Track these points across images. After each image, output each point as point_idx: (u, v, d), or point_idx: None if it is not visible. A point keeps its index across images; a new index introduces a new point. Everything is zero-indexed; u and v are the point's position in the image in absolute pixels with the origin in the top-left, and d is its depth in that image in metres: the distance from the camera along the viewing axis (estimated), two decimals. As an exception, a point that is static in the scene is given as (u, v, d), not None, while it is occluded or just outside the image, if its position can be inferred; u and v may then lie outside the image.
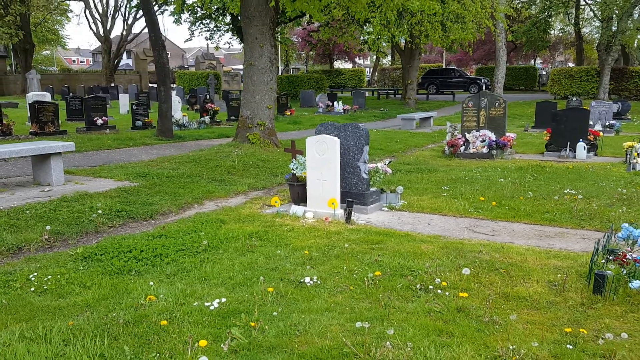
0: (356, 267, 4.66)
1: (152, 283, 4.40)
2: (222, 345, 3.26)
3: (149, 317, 3.72)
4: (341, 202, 6.79)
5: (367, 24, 27.71)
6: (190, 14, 32.31)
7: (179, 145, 13.57)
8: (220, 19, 30.41)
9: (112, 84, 38.18)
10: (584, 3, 37.29)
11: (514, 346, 3.18)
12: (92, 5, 41.49)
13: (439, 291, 4.04)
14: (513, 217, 6.63)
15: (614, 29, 27.57)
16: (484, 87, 37.63)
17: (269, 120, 11.99)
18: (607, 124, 17.46)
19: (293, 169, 7.50)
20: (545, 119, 17.21)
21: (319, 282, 4.33)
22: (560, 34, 49.69)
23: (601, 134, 12.93)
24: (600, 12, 29.39)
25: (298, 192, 7.31)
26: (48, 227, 5.94)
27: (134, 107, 17.19)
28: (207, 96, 20.77)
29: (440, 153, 12.96)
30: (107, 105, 20.11)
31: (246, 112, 11.93)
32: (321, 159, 6.75)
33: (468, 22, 23.90)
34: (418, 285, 4.18)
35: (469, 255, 4.97)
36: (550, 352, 3.17)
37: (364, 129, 7.03)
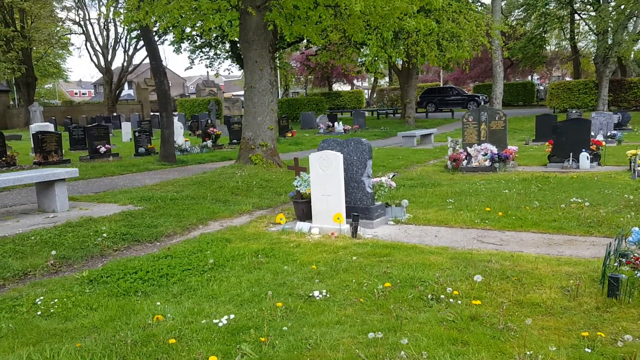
0: (365, 280, 4.61)
1: (159, 303, 4.35)
2: (232, 362, 3.20)
3: (157, 336, 3.66)
4: (347, 217, 6.75)
5: (364, 47, 28.04)
6: (190, 43, 32.77)
7: (182, 169, 13.59)
8: (219, 46, 30.79)
9: (114, 114, 38.50)
10: (578, 18, 37.76)
11: (531, 352, 3.11)
12: (92, 38, 42.16)
13: (450, 300, 3.98)
14: (520, 227, 6.57)
15: (610, 41, 27.82)
16: (482, 104, 37.82)
17: (270, 140, 12.03)
18: (608, 134, 17.45)
19: (297, 186, 7.48)
20: (545, 132, 17.27)
21: (328, 295, 4.27)
22: (557, 49, 50.17)
23: (603, 143, 12.92)
24: (595, 26, 29.69)
25: (303, 209, 7.28)
26: (53, 252, 5.91)
27: (136, 134, 17.28)
28: (209, 121, 20.91)
29: (442, 168, 12.94)
30: (110, 134, 20.27)
31: (248, 133, 11.98)
32: (325, 175, 6.73)
33: (464, 40, 24.14)
34: (429, 295, 4.11)
35: (479, 265, 4.90)
36: (568, 356, 3.10)
37: (366, 143, 7.03)
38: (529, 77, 63.72)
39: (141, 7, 10.74)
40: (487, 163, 12.24)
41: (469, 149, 12.74)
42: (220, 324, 3.76)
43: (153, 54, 13.96)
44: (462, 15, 23.92)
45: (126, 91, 69.72)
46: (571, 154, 12.08)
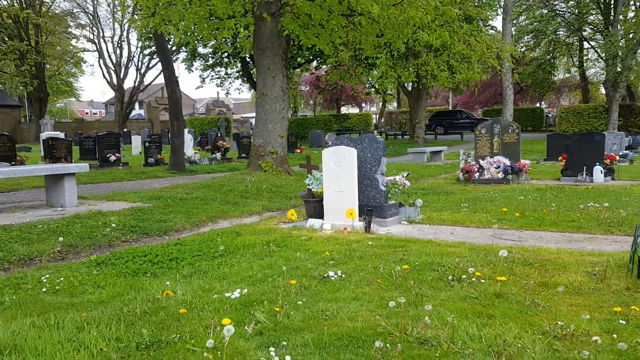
0: (381, 265, 4.45)
1: (168, 282, 4.20)
2: (246, 328, 3.04)
3: (167, 308, 3.51)
4: (359, 215, 6.61)
5: (374, 68, 28.22)
6: (201, 62, 33.12)
7: (191, 177, 13.51)
8: (232, 63, 31.05)
9: (125, 129, 38.74)
10: (587, 46, 37.95)
11: (562, 322, 2.94)
12: (106, 56, 42.78)
13: (473, 279, 3.82)
14: (539, 226, 6.40)
15: (619, 67, 27.81)
16: (492, 127, 37.72)
17: (281, 148, 11.96)
18: (620, 153, 17.28)
19: (309, 185, 7.36)
20: (556, 151, 17.08)
21: (343, 276, 4.12)
22: (566, 76, 50.33)
23: (617, 158, 12.76)
24: (604, 53, 29.74)
25: (315, 207, 7.14)
26: (61, 239, 5.79)
27: (147, 144, 17.30)
28: (219, 134, 20.93)
29: (454, 180, 12.80)
30: (120, 148, 20.28)
31: (258, 140, 11.93)
32: (338, 170, 6.62)
33: (474, 62, 24.21)
34: (450, 277, 3.95)
35: (498, 255, 4.73)
36: (601, 328, 2.92)
37: (381, 140, 6.93)
38: (538, 104, 63.81)
39: (157, 13, 10.83)
40: (500, 175, 12.09)
41: (481, 162, 12.60)
42: (233, 297, 3.61)
43: (166, 62, 14.05)
44: (473, 38, 24.09)
45: (137, 111, 70.35)
46: (585, 167, 11.92)
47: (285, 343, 2.82)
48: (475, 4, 26.24)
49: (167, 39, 12.75)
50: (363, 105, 64.80)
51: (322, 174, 7.04)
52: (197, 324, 3.14)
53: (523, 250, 4.94)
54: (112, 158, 16.00)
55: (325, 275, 4.12)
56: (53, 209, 7.68)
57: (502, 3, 29.34)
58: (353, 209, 6.43)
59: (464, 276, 3.88)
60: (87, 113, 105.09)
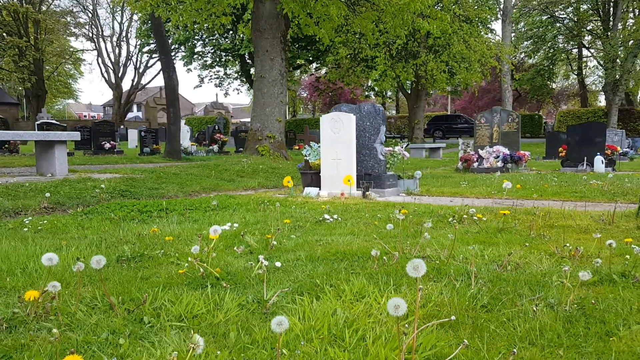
0: (379, 213, 4.27)
1: (156, 226, 4.01)
2: (235, 249, 2.85)
3: (153, 237, 3.33)
4: (357, 186, 6.44)
5: (372, 70, 28.13)
6: (200, 62, 33.02)
7: (187, 163, 13.31)
8: (231, 61, 30.95)
9: (122, 127, 38.57)
10: (587, 54, 38.00)
11: (569, 245, 2.76)
12: (104, 54, 42.67)
13: (474, 218, 3.64)
14: (540, 196, 6.23)
15: (617, 74, 27.78)
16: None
17: (278, 133, 11.80)
18: (621, 151, 17.16)
19: (306, 156, 7.20)
20: (555, 149, 16.97)
21: (339, 219, 3.94)
22: (565, 84, 50.41)
23: (619, 148, 12.63)
24: (603, 56, 29.71)
25: (312, 177, 6.97)
26: (47, 195, 5.60)
27: (143, 134, 17.11)
28: (216, 127, 20.76)
29: (452, 171, 12.64)
30: (115, 136, 20.03)
31: (256, 124, 11.76)
32: (336, 137, 6.46)
33: (474, 62, 24.16)
34: (450, 219, 3.78)
35: (500, 209, 4.56)
36: (612, 253, 2.75)
37: (380, 108, 6.78)
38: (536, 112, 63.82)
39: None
40: (500, 164, 11.93)
41: (480, 151, 12.45)
42: (224, 228, 3.42)
43: (163, 47, 13.90)
44: (473, 38, 24.08)
45: (135, 113, 70.17)
46: (585, 158, 11.79)
47: (276, 258, 2.64)
48: (475, 7, 26.24)
49: (164, 20, 12.59)
50: (362, 110, 64.70)
51: (319, 145, 6.87)
52: (183, 246, 2.96)
53: (526, 208, 4.77)
54: (107, 145, 15.82)
55: (321, 218, 3.94)
56: (42, 177, 7.48)
57: (502, 6, 29.41)
58: (351, 176, 6.25)
59: (464, 216, 3.70)
60: (85, 116, 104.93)
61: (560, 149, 12.89)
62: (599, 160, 11.57)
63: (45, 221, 4.19)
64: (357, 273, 2.30)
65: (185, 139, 18.24)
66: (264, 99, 11.61)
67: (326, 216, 3.92)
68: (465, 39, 23.99)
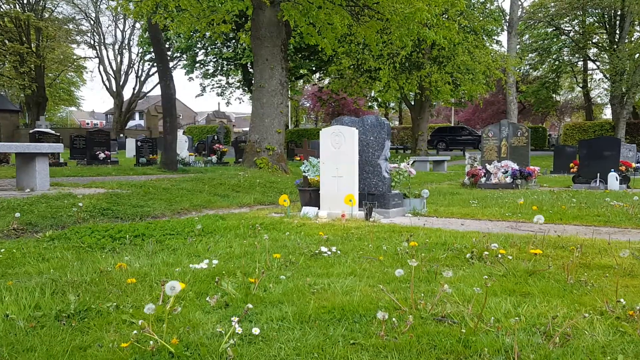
0: (384, 244, 3.73)
1: (127, 257, 3.48)
2: (207, 299, 2.31)
3: (114, 279, 2.79)
4: (359, 206, 5.91)
5: (376, 80, 27.64)
6: (202, 70, 32.62)
7: (182, 175, 12.80)
8: (233, 70, 30.52)
9: (122, 135, 38.15)
10: (592, 66, 37.54)
11: (624, 301, 2.22)
12: (106, 62, 42.38)
13: (498, 256, 3.10)
14: (560, 220, 5.68)
15: (624, 88, 27.23)
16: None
17: (278, 145, 11.28)
18: (634, 166, 16.58)
19: (305, 172, 6.67)
20: (563, 163, 16.42)
21: (338, 252, 3.40)
22: (569, 97, 49.97)
23: (633, 164, 12.08)
24: (610, 69, 29.20)
25: (310, 195, 6.43)
26: (17, 215, 5.07)
27: (139, 143, 16.63)
28: (215, 137, 20.26)
29: (459, 186, 12.10)
30: (115, 152, 19.57)
31: (254, 136, 11.25)
32: (337, 153, 5.93)
33: (478, 73, 23.67)
34: (468, 255, 3.23)
35: (522, 239, 4.01)
36: (679, 309, 2.20)
37: (385, 122, 6.26)
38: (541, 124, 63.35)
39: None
40: (508, 180, 11.38)
41: (488, 166, 11.91)
42: (199, 267, 2.89)
43: (160, 55, 13.44)
44: (478, 50, 23.66)
45: (137, 121, 69.90)
46: (598, 174, 11.23)
47: (257, 315, 2.09)
48: (481, 19, 25.83)
49: (162, 26, 12.14)
50: (365, 120, 64.32)
51: (319, 160, 6.35)
52: (145, 294, 2.42)
53: (549, 238, 4.22)
54: (102, 155, 15.33)
55: (317, 251, 3.40)
56: (21, 192, 6.96)
57: (508, 18, 29.04)
58: (352, 195, 5.72)
59: (485, 253, 3.15)
60: (87, 123, 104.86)
61: (571, 164, 12.33)
62: (613, 177, 11.01)
63: (3, 249, 3.66)
64: (359, 344, 1.76)
65: (184, 149, 17.75)
66: (263, 110, 11.11)
67: (323, 248, 3.38)
68: (470, 50, 23.55)
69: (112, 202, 6.35)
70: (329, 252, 3.35)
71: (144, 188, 7.75)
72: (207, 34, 24.36)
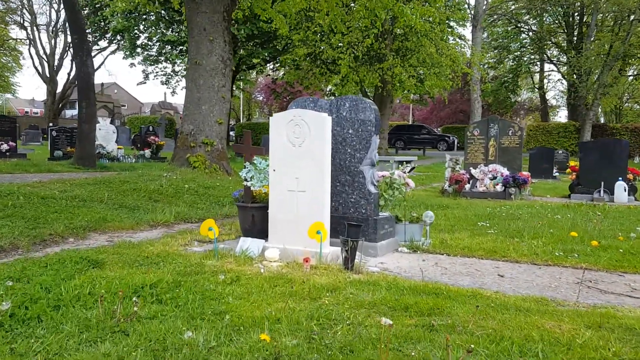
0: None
1: None
2: None
3: None
4: (331, 235, 3.67)
5: (334, 74, 25.47)
6: (144, 55, 29.53)
7: (96, 174, 10.18)
8: (176, 54, 27.57)
9: (51, 124, 34.42)
10: (549, 68, 36.96)
11: None
12: (38, 45, 38.27)
13: None
14: (632, 265, 3.64)
15: (586, 92, 26.24)
16: (454, 145, 36.07)
17: (219, 139, 8.89)
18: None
19: (246, 179, 4.37)
20: (541, 166, 14.73)
21: None
22: (527, 96, 49.72)
23: (640, 171, 10.43)
24: (569, 72, 28.27)
25: (253, 217, 4.14)
26: None
27: (54, 133, 13.81)
28: (151, 128, 17.53)
29: (437, 193, 10.09)
30: (39, 143, 16.65)
31: (188, 126, 8.81)
32: (298, 153, 3.67)
33: (445, 67, 21.97)
34: None
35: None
36: None
37: (372, 106, 4.05)
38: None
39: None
40: (499, 188, 9.43)
41: (472, 170, 9.92)
42: None
43: (75, 24, 10.73)
44: (444, 42, 21.99)
45: (74, 111, 65.18)
46: (602, 183, 9.46)
47: None
48: (445, 5, 24.14)
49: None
50: (320, 116, 62.51)
51: (268, 162, 4.10)
52: None
53: None
54: (4, 147, 12.47)
55: None
56: None
57: (473, 11, 27.64)
58: (322, 224, 3.46)
59: None
60: (27, 112, 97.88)
61: (568, 170, 10.57)
62: (621, 187, 9.26)
63: None
64: None
65: (111, 142, 15.04)
66: (200, 93, 8.68)
67: None
68: (437, 42, 21.82)
69: None
70: None
71: (14, 196, 5.22)
72: (151, 13, 21.56)
